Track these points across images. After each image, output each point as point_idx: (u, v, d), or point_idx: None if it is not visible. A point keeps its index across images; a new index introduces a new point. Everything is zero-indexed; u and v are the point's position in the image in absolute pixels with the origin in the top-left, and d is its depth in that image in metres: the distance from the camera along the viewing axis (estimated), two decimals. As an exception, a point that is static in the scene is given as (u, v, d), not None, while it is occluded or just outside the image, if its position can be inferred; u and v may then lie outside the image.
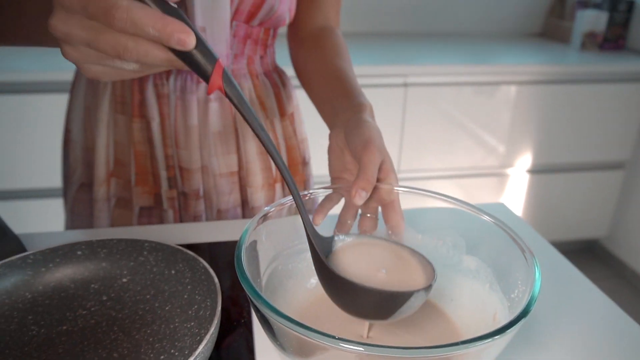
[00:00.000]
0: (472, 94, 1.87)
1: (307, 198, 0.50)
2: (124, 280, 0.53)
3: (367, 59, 1.83)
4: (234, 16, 0.66)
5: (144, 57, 0.34)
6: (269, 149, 0.38)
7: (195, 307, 0.49)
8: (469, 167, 1.99)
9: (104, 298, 0.51)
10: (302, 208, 0.42)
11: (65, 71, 1.44)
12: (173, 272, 0.52)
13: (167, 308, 0.50)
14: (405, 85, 1.79)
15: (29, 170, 1.66)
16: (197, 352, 0.39)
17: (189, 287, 0.50)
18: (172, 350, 0.45)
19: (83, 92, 0.75)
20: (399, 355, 0.31)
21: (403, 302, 0.39)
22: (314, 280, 0.48)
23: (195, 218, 0.75)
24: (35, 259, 0.50)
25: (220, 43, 0.64)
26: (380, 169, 0.50)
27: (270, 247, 0.48)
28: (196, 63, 0.34)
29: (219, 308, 0.44)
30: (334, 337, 0.32)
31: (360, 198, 0.46)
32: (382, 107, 1.74)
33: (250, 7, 0.66)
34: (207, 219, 0.77)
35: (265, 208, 0.47)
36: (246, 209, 0.78)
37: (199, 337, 0.46)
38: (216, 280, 0.47)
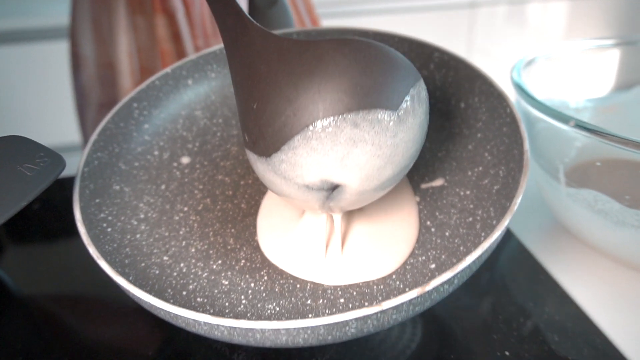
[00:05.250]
0: None
1: None
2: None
3: None
4: None
5: None
6: None
7: (480, 169, 0.32)
8: None
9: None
10: None
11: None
12: (463, 105, 0.35)
13: (439, 155, 0.35)
14: None
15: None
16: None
17: (478, 135, 0.33)
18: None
19: (88, 2, 0.68)
20: None
21: None
22: None
23: None
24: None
25: None
26: None
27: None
28: None
29: (521, 189, 0.27)
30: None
31: None
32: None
33: None
34: None
35: None
36: None
37: (471, 219, 0.30)
38: (525, 134, 0.29)
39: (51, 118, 1.58)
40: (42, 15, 1.47)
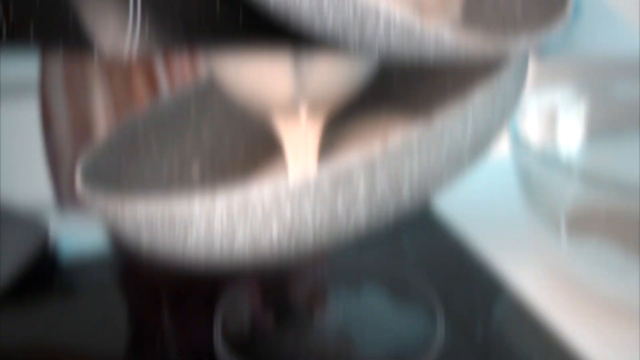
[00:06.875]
0: None
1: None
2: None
3: None
4: None
5: None
6: None
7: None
8: None
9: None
10: None
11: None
12: None
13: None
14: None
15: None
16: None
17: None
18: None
19: (59, 61, 0.68)
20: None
21: None
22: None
23: None
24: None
25: None
26: None
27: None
28: None
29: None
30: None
31: None
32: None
33: None
34: None
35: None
36: None
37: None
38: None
39: (25, 174, 1.52)
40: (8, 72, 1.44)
